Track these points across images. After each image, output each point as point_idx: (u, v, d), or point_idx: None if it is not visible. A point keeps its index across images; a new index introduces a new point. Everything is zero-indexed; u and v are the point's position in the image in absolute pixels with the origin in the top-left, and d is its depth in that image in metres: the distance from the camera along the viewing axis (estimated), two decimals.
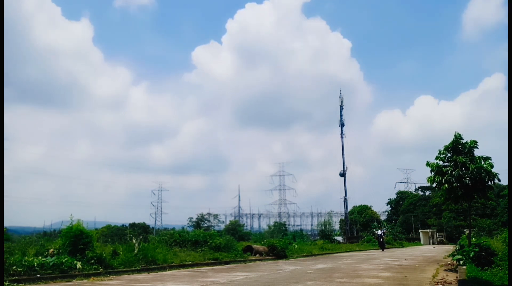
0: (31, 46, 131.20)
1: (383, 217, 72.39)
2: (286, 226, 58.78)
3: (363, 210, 69.70)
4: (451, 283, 8.31)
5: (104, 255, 11.13)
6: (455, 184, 11.54)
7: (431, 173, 12.21)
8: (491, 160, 11.58)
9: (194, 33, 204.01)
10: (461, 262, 11.83)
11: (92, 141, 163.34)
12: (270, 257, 18.75)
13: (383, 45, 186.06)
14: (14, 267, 8.90)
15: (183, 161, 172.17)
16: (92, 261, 10.57)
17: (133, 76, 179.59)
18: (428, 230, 57.84)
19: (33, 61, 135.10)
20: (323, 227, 41.17)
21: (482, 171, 11.34)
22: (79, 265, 10.03)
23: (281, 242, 21.34)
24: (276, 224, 57.47)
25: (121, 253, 12.20)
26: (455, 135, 12.12)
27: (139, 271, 11.25)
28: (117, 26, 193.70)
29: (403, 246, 40.36)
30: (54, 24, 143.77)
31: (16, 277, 8.60)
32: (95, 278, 9.59)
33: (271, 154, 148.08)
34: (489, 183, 11.60)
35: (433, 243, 52.48)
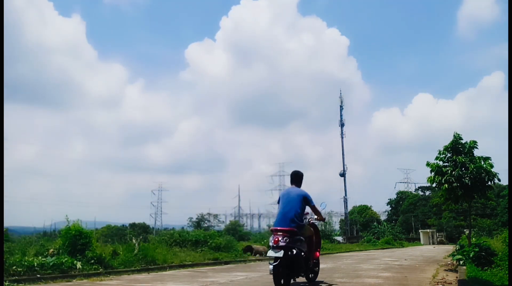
0: (22, 43, 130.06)
1: (383, 217, 72.48)
2: None
3: (363, 210, 69.79)
4: (451, 283, 8.31)
5: (104, 255, 11.11)
6: (455, 184, 11.53)
7: (431, 173, 12.21)
8: (491, 160, 11.57)
9: (188, 30, 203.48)
10: (461, 262, 11.83)
11: (88, 140, 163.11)
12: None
13: (381, 43, 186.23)
14: (14, 267, 8.89)
15: (181, 160, 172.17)
16: (92, 261, 10.56)
17: (128, 74, 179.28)
18: (428, 230, 57.86)
19: (24, 58, 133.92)
20: (323, 227, 41.21)
21: (482, 171, 11.34)
22: (79, 265, 10.03)
23: None
24: None
25: (121, 253, 12.19)
26: (454, 136, 12.12)
27: (139, 271, 11.25)
28: (109, 22, 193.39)
29: (403, 246, 40.38)
30: (45, 20, 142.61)
31: (16, 277, 8.59)
32: (95, 278, 9.59)
33: (269, 154, 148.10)
34: (489, 183, 11.59)
35: (433, 243, 52.50)
